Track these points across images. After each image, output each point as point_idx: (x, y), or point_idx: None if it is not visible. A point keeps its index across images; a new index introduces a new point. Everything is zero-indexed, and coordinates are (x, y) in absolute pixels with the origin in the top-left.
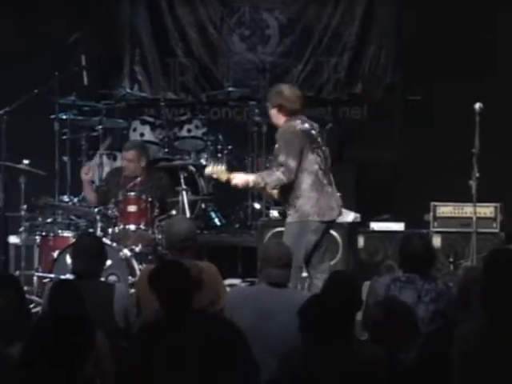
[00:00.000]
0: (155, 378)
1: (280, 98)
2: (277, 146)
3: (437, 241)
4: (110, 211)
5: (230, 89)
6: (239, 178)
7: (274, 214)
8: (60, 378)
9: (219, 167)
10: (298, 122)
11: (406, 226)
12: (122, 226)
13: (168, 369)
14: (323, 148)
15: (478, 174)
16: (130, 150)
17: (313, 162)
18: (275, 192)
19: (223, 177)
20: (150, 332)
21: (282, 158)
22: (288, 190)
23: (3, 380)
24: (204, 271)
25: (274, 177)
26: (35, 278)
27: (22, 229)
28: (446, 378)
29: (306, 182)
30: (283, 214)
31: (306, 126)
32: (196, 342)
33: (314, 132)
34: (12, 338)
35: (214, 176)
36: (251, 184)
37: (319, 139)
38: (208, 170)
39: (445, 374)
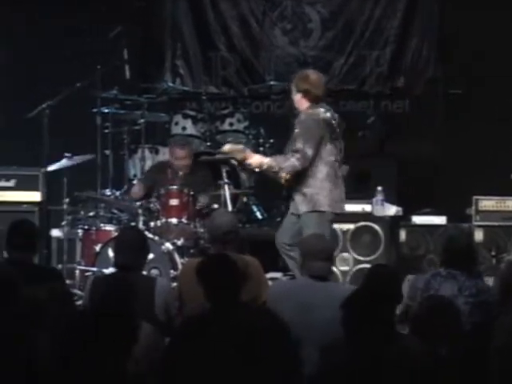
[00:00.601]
0: (198, 371)
1: (306, 83)
2: (296, 131)
3: (479, 235)
4: (152, 205)
5: (272, 82)
6: (254, 159)
7: None
8: (100, 375)
9: (237, 146)
10: (322, 110)
11: (448, 220)
12: (164, 220)
13: (212, 362)
14: (340, 140)
15: None
16: (182, 148)
17: (330, 152)
18: (283, 176)
19: (239, 156)
20: (195, 325)
21: (299, 145)
22: (300, 177)
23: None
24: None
25: (289, 162)
26: (77, 272)
27: (64, 222)
28: (486, 372)
29: (321, 171)
30: (286, 198)
31: (328, 115)
32: (241, 335)
33: (334, 122)
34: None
35: (230, 154)
36: (265, 166)
37: (338, 130)
38: (225, 148)
39: (484, 368)
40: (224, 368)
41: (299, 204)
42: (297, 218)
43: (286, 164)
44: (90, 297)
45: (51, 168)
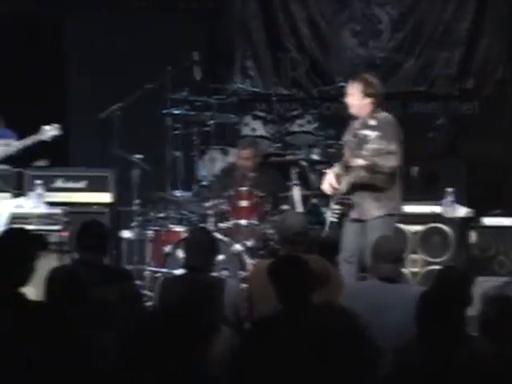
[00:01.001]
0: (269, 373)
1: (373, 87)
2: (380, 133)
3: None
4: (222, 206)
5: (341, 84)
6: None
7: None
8: (169, 376)
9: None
10: (388, 114)
11: None
12: (233, 221)
13: (283, 364)
14: None
15: None
16: (246, 148)
17: None
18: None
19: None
20: (266, 326)
21: (393, 146)
22: (382, 181)
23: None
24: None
25: (390, 163)
26: (147, 273)
27: (134, 223)
28: None
29: (398, 174)
30: (344, 204)
31: None
32: (313, 336)
33: None
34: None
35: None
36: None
37: None
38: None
39: None
40: (296, 370)
41: (370, 209)
42: (359, 225)
43: (387, 164)
44: (160, 298)
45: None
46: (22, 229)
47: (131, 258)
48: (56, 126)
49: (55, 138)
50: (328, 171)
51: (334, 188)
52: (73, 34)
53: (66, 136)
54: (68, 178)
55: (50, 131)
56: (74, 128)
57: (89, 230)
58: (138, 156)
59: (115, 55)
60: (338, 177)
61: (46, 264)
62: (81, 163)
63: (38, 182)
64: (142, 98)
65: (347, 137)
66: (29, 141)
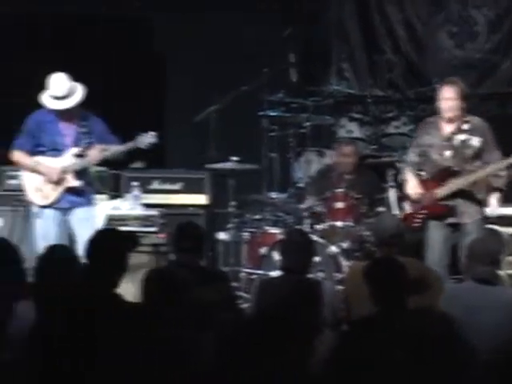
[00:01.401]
0: (366, 375)
1: (466, 92)
2: (479, 139)
3: None
4: (317, 208)
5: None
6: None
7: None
8: (267, 379)
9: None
10: (477, 117)
11: None
12: (329, 223)
13: (379, 366)
14: None
15: None
16: (348, 145)
17: None
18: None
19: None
20: (362, 328)
21: (497, 150)
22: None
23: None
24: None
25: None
26: (243, 275)
27: (230, 225)
28: None
29: None
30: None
31: None
32: (410, 339)
33: None
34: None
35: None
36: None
37: None
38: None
39: None
40: (391, 372)
41: (471, 212)
42: (452, 229)
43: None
44: (257, 300)
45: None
46: (113, 229)
47: (227, 260)
48: (153, 133)
49: (152, 146)
50: (409, 175)
51: (420, 193)
52: (165, 35)
53: (162, 137)
54: (164, 180)
55: (146, 139)
56: (171, 129)
57: (185, 231)
58: (233, 158)
59: (212, 57)
60: (424, 182)
61: (143, 265)
62: (177, 165)
63: (135, 183)
64: (239, 99)
65: (434, 140)
66: (124, 148)
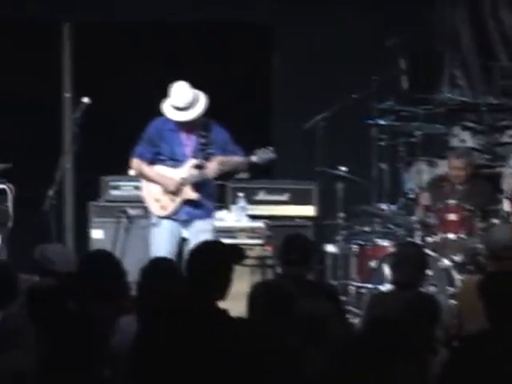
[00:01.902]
0: None
1: None
2: None
3: None
4: (429, 219)
5: None
6: None
7: None
8: None
9: None
10: None
11: None
12: (441, 235)
13: (491, 382)
14: None
15: None
16: (460, 158)
17: None
18: None
19: None
20: (476, 344)
21: None
22: None
23: None
24: None
25: None
26: (352, 288)
27: (339, 237)
28: None
29: None
30: None
31: None
32: None
33: None
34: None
35: None
36: None
37: None
38: None
39: None
40: None
41: None
42: None
43: None
44: (367, 315)
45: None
46: (217, 241)
47: (336, 273)
48: (271, 148)
49: (268, 162)
50: None
51: None
52: (274, 42)
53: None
54: (271, 191)
55: (265, 154)
56: (278, 139)
57: (292, 243)
58: (342, 168)
59: (320, 64)
60: None
61: (249, 279)
62: (284, 175)
63: (241, 194)
64: (347, 107)
65: None
66: (244, 162)
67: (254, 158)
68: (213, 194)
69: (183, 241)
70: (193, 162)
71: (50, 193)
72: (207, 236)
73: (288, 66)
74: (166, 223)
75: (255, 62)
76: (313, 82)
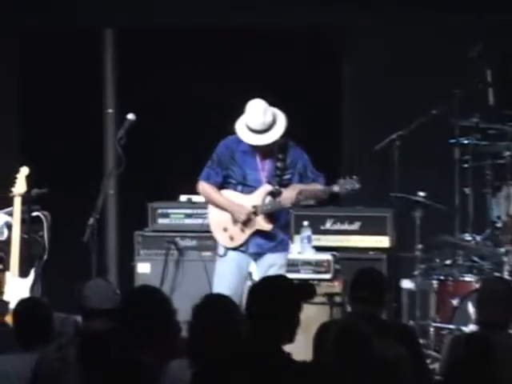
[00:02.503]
0: None
1: None
2: None
3: None
4: None
5: None
6: None
7: None
8: None
9: None
10: None
11: None
12: None
13: None
14: None
15: None
16: None
17: None
18: None
19: None
20: None
21: None
22: None
23: None
24: None
25: None
26: (431, 329)
27: (416, 272)
28: None
29: None
30: None
31: None
32: None
33: None
34: None
35: None
36: None
37: None
38: None
39: None
40: None
41: None
42: None
43: None
44: (448, 359)
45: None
46: (283, 276)
47: (413, 312)
48: (355, 178)
49: (350, 192)
50: None
51: None
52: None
53: (337, 169)
54: (340, 219)
55: (348, 184)
56: (348, 160)
57: (364, 278)
58: (420, 193)
59: (394, 76)
60: None
61: (315, 318)
62: (354, 201)
63: (305, 223)
64: (426, 125)
65: None
66: (324, 192)
67: (335, 188)
68: (287, 224)
69: (250, 276)
70: (267, 188)
71: (91, 221)
72: (279, 272)
73: (360, 78)
74: (234, 255)
75: (324, 73)
76: (387, 96)
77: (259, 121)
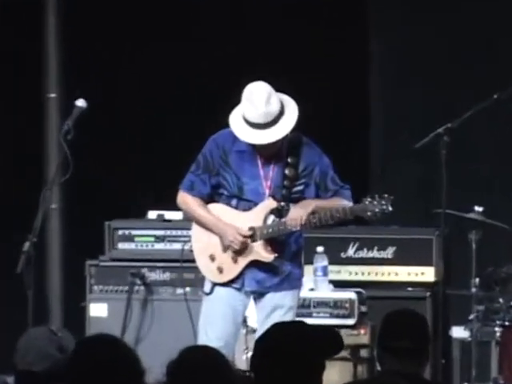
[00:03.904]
0: None
1: None
2: None
3: None
4: None
5: None
6: None
7: None
8: None
9: None
10: None
11: None
12: None
13: None
14: None
15: None
16: None
17: None
18: None
19: None
20: None
21: None
22: None
23: None
24: None
25: None
26: None
27: (472, 315)
28: None
29: None
30: None
31: None
32: None
33: None
34: None
35: None
36: None
37: None
38: None
39: None
40: None
41: None
42: None
43: None
44: None
45: None
46: (300, 322)
47: (467, 371)
48: (386, 198)
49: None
50: None
51: None
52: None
53: (365, 178)
54: (367, 244)
55: (379, 206)
56: (376, 162)
57: (400, 325)
58: (477, 208)
59: (434, 53)
60: None
61: (334, 379)
62: (386, 219)
63: (320, 249)
64: (482, 114)
65: None
66: (346, 213)
67: (360, 212)
68: (298, 252)
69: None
70: (270, 204)
71: (26, 246)
72: (287, 317)
73: (390, 53)
74: (224, 293)
75: (347, 52)
76: (428, 79)
77: (261, 111)
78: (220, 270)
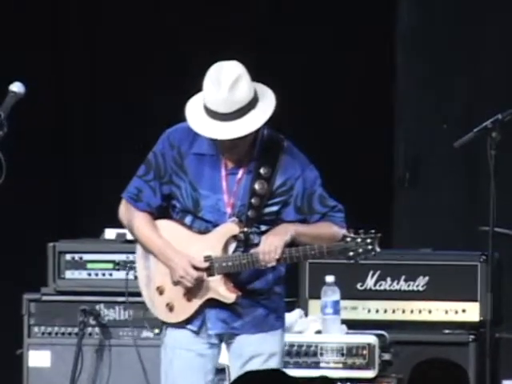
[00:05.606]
0: None
1: None
2: None
3: None
4: None
5: None
6: None
7: None
8: None
9: None
10: None
11: None
12: None
13: None
14: None
15: None
16: None
17: None
18: None
19: None
20: None
21: None
22: None
23: None
24: None
25: None
26: None
27: None
28: None
29: None
30: None
31: None
32: None
33: None
34: None
35: None
36: None
37: None
38: None
39: None
40: None
41: None
42: None
43: None
44: None
45: None
46: (280, 372)
47: None
48: (374, 236)
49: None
50: None
51: None
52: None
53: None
54: (390, 272)
55: (356, 248)
56: (405, 168)
57: (433, 379)
58: None
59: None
60: None
61: None
62: (415, 239)
63: (330, 279)
64: None
65: None
66: (333, 246)
67: (341, 250)
68: (279, 280)
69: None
70: (232, 228)
71: None
72: (269, 364)
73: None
74: (180, 336)
75: (369, 44)
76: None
77: (223, 95)
78: (170, 308)
